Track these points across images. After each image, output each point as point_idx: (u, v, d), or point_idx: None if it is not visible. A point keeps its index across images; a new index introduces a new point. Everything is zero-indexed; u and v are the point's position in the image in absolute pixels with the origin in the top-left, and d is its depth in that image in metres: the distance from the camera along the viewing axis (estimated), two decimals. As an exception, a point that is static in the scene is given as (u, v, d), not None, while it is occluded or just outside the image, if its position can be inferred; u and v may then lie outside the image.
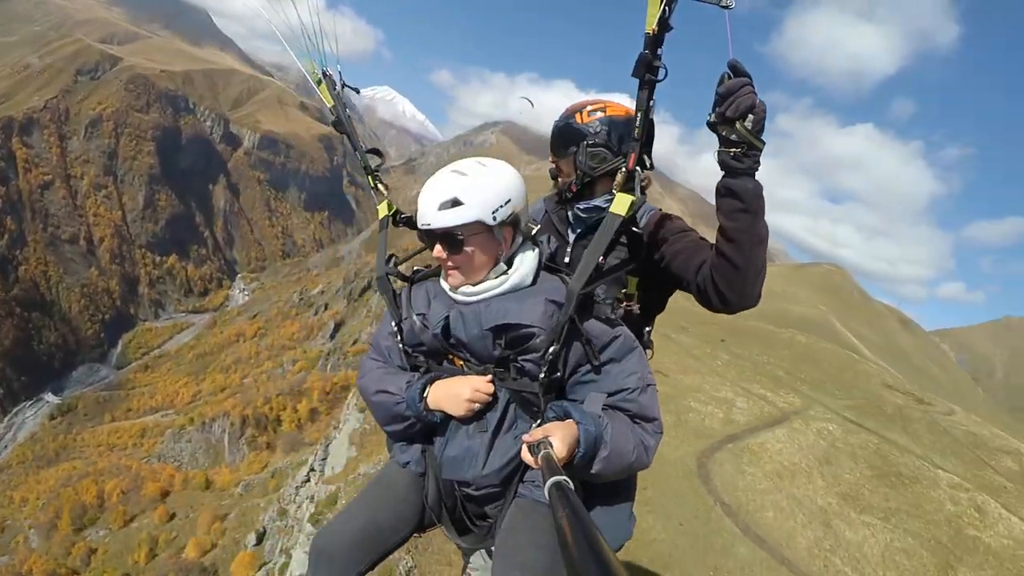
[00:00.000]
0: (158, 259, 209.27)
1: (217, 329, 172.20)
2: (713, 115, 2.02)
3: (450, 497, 2.44)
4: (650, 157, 2.31)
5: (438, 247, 2.20)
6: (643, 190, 2.40)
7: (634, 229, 2.45)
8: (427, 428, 2.37)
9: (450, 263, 2.22)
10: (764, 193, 2.13)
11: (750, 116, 1.96)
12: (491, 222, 2.13)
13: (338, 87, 2.79)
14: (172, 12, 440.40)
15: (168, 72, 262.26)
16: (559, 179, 2.80)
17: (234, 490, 66.92)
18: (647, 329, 2.87)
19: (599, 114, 2.62)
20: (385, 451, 2.82)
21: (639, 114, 2.11)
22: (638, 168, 2.21)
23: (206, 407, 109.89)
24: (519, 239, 2.29)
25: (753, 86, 1.95)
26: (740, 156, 2.04)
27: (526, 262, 2.29)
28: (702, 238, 2.60)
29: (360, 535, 2.35)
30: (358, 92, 2.97)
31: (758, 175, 2.11)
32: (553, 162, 2.82)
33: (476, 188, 2.13)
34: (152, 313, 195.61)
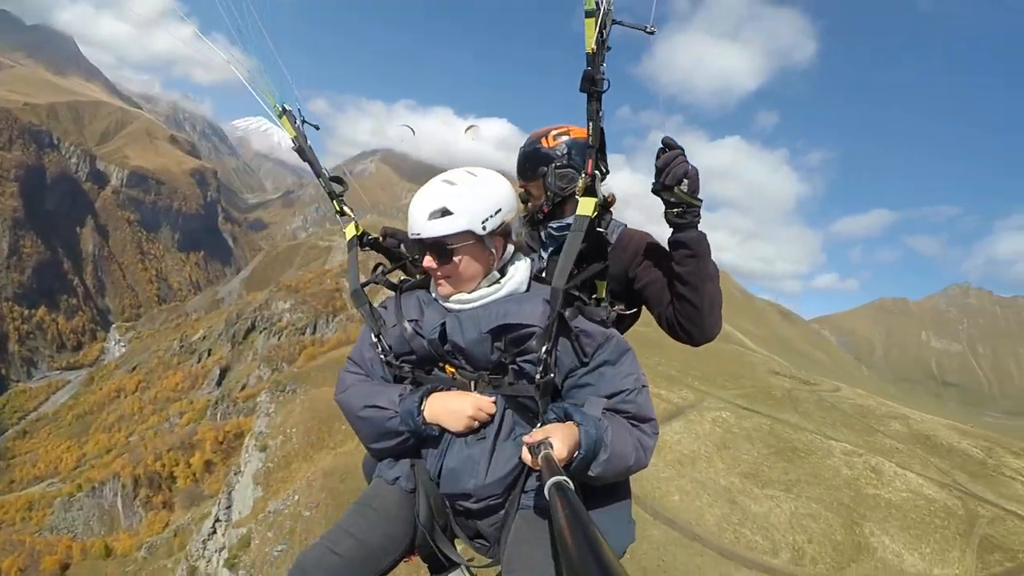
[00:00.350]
0: (26, 312, 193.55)
1: (95, 385, 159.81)
2: (655, 185, 2.39)
3: (442, 514, 2.36)
4: (605, 163, 2.48)
5: (428, 257, 2.24)
6: (608, 207, 2.67)
7: (599, 230, 2.47)
8: (418, 443, 2.32)
9: (440, 273, 2.26)
10: (707, 239, 2.49)
11: (685, 181, 2.33)
12: (480, 232, 2.18)
13: (298, 122, 2.94)
14: (36, 40, 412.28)
15: (31, 105, 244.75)
16: (529, 203, 2.99)
17: (137, 554, 63.49)
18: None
19: (564, 137, 2.84)
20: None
21: (590, 124, 2.31)
22: (597, 173, 2.40)
23: (93, 471, 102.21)
24: (510, 249, 2.35)
25: (684, 156, 2.33)
26: (682, 214, 2.41)
27: (520, 270, 2.36)
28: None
29: (348, 558, 2.21)
30: (317, 128, 3.10)
31: (701, 226, 2.48)
32: (522, 186, 2.98)
33: (465, 197, 2.17)
34: (24, 372, 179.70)
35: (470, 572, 2.50)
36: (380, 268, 2.66)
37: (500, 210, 2.22)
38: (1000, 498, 37.49)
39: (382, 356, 2.38)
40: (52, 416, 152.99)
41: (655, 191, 2.41)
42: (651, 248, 2.82)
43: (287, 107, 2.94)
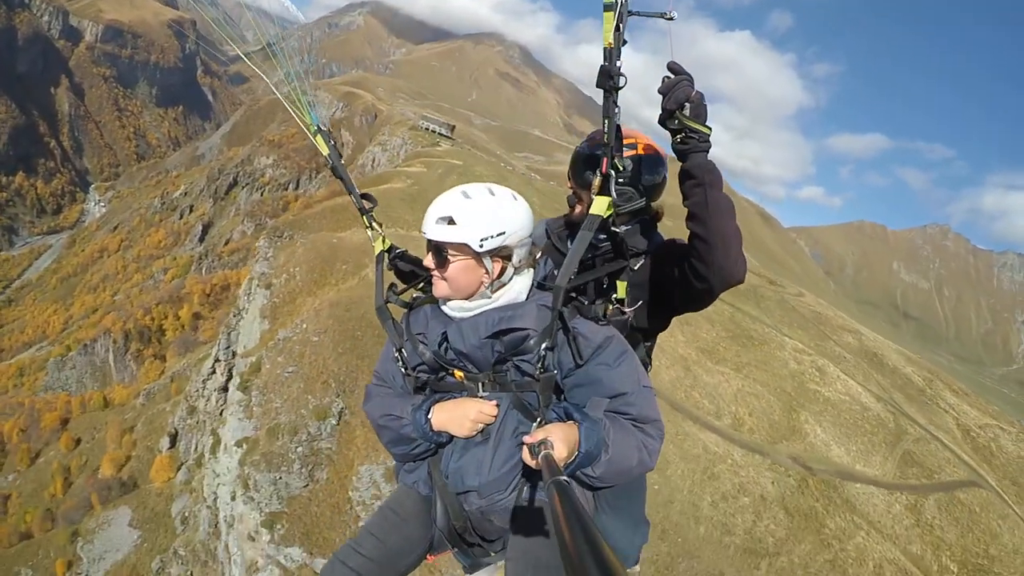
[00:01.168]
0: (4, 179, 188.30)
1: (77, 248, 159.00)
2: (660, 115, 2.28)
3: (458, 517, 2.47)
4: (622, 161, 2.38)
5: (429, 255, 2.37)
6: (656, 220, 2.80)
7: (613, 230, 2.44)
8: (433, 447, 2.46)
9: (434, 275, 2.39)
10: (717, 170, 2.34)
11: (687, 105, 2.22)
12: (477, 248, 2.23)
13: (332, 142, 3.01)
14: None
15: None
16: (577, 208, 2.96)
17: (135, 402, 65.64)
18: (647, 344, 2.98)
19: (630, 151, 2.72)
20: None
21: (606, 120, 2.26)
22: (612, 172, 2.33)
23: (82, 331, 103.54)
24: (509, 273, 2.37)
25: (690, 81, 2.21)
26: (685, 139, 2.29)
27: (520, 282, 2.41)
28: None
29: (370, 558, 2.43)
30: (340, 151, 3.18)
31: (711, 154, 2.34)
32: (571, 187, 2.95)
33: (473, 213, 2.24)
34: (6, 241, 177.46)
35: (488, 569, 2.66)
36: (392, 287, 2.70)
37: (503, 233, 2.24)
38: (930, 424, 41.19)
39: (401, 369, 2.52)
40: (36, 282, 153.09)
41: (660, 122, 2.33)
42: (675, 244, 2.77)
43: (322, 127, 2.99)
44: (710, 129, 2.29)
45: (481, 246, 2.23)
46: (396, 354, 2.52)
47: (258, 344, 30.26)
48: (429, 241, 2.32)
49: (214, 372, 43.17)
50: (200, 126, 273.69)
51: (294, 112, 3.01)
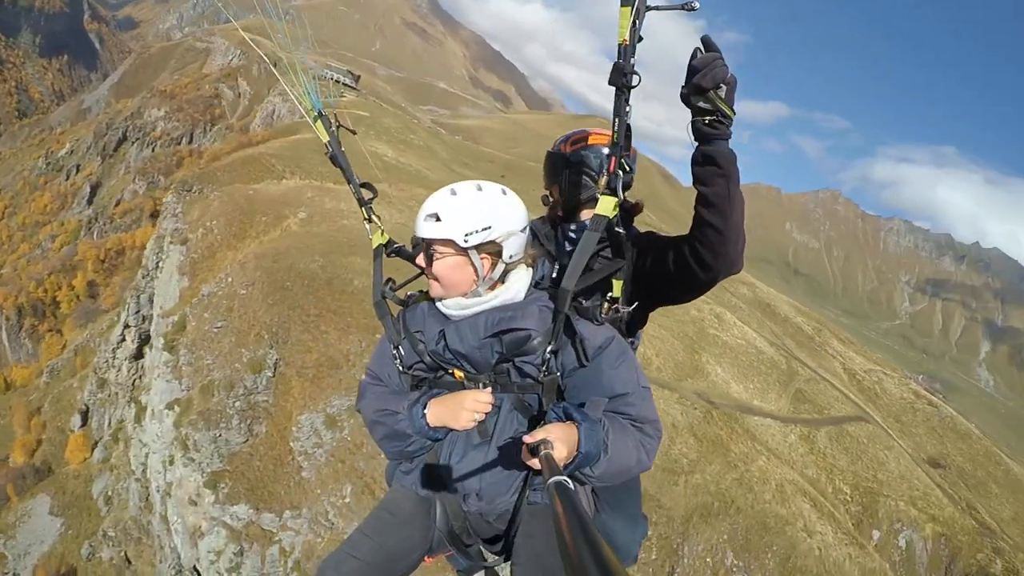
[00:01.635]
0: None
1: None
2: (687, 87, 2.09)
3: (457, 516, 2.45)
4: (631, 160, 2.38)
5: (421, 255, 2.35)
6: (634, 214, 2.72)
7: (618, 230, 2.42)
8: (429, 444, 2.41)
9: (427, 274, 2.37)
10: (737, 160, 2.23)
11: (723, 86, 2.05)
12: (463, 244, 2.21)
13: (333, 127, 2.92)
14: None
15: None
16: (550, 205, 3.05)
17: (38, 381, 61.25)
18: (631, 341, 2.93)
19: (582, 143, 2.84)
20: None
21: (616, 119, 2.21)
22: (619, 172, 2.30)
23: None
24: (500, 268, 2.33)
25: (723, 60, 2.04)
26: (715, 123, 2.12)
27: (519, 280, 2.36)
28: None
29: (366, 561, 2.34)
30: (354, 133, 3.19)
31: (731, 143, 2.20)
32: (546, 188, 3.04)
33: (457, 209, 2.22)
34: None
35: (490, 571, 2.61)
36: (389, 282, 2.63)
37: (489, 228, 2.22)
38: (819, 367, 46.09)
39: (398, 366, 2.46)
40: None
41: (685, 95, 2.11)
42: (656, 235, 2.75)
43: (323, 112, 2.89)
44: (735, 114, 2.15)
45: (466, 241, 2.20)
46: (393, 351, 2.47)
47: (179, 302, 28.72)
48: (421, 240, 2.30)
49: (124, 339, 40.97)
50: (86, 77, 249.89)
51: (293, 94, 2.93)
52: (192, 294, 27.60)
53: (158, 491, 25.86)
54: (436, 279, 2.32)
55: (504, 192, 2.33)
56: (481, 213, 2.22)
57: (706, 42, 2.06)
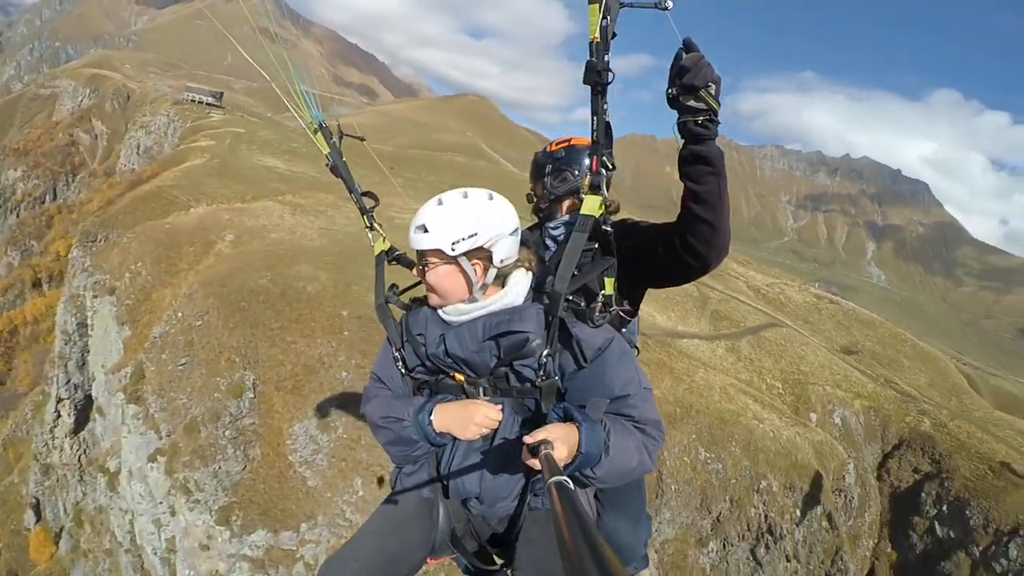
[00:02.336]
0: None
1: None
2: (675, 88, 2.11)
3: (459, 519, 2.46)
4: (611, 159, 2.38)
5: (417, 266, 2.42)
6: (612, 212, 2.59)
7: (604, 228, 2.42)
8: (434, 448, 2.43)
9: (424, 283, 2.43)
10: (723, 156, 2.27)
11: (712, 85, 2.07)
12: (450, 252, 2.25)
13: (334, 138, 3.01)
14: None
15: None
16: (536, 202, 3.21)
17: (-33, 493, 55.65)
18: (625, 333, 2.98)
19: (564, 144, 3.08)
20: None
21: (595, 118, 2.23)
22: (602, 169, 2.31)
23: None
24: (492, 273, 2.34)
25: (708, 61, 2.07)
26: (705, 123, 2.15)
27: (518, 285, 2.39)
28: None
29: (368, 563, 2.36)
30: (363, 140, 3.35)
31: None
32: (531, 189, 3.24)
33: (442, 218, 2.27)
34: None
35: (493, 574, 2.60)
36: (393, 287, 2.71)
37: (475, 235, 2.25)
38: (727, 288, 50.32)
39: (401, 370, 2.53)
40: None
41: (673, 96, 2.16)
42: (633, 225, 2.85)
43: (324, 124, 2.96)
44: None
45: (453, 249, 2.25)
46: (396, 354, 2.53)
47: (126, 353, 27.18)
48: (416, 251, 2.38)
49: (60, 416, 38.00)
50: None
51: (292, 108, 2.97)
52: (140, 341, 26.20)
53: (155, 553, 24.36)
54: (432, 288, 2.38)
55: (491, 197, 2.35)
56: (466, 220, 2.25)
57: (688, 44, 2.08)
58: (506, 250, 2.34)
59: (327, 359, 22.78)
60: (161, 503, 23.06)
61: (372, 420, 2.51)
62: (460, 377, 2.38)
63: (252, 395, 22.46)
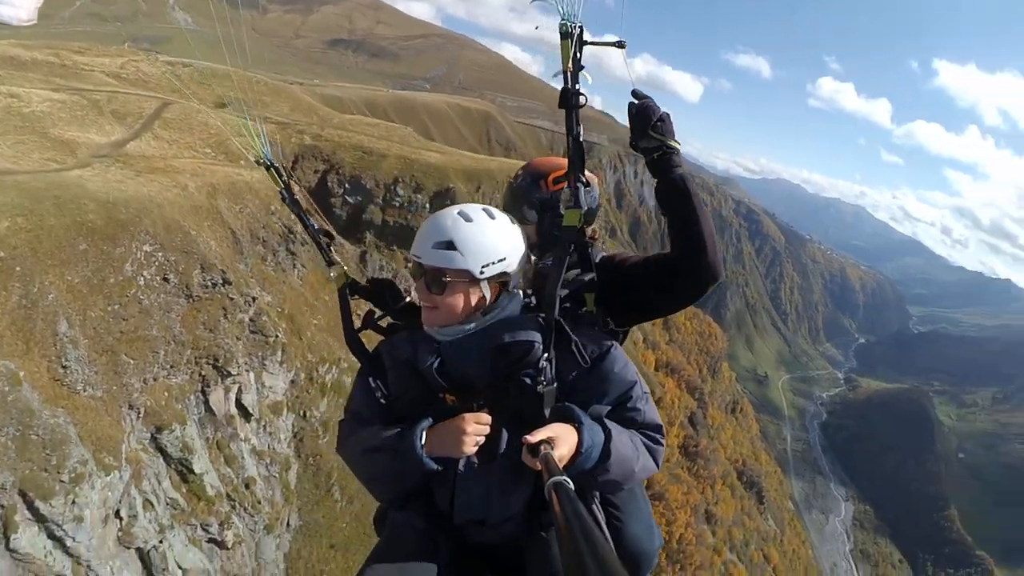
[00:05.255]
0: None
1: None
2: (631, 135, 2.36)
3: (463, 547, 2.30)
4: (584, 175, 2.47)
5: (421, 282, 2.21)
6: (592, 239, 2.68)
7: (583, 239, 2.46)
8: (424, 480, 2.21)
9: (427, 302, 2.22)
10: (690, 178, 2.38)
11: (658, 123, 2.29)
12: (478, 275, 2.14)
13: (284, 175, 2.88)
14: None
15: None
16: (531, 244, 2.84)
17: None
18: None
19: (565, 182, 2.64)
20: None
21: (570, 137, 2.38)
22: (580, 185, 2.42)
23: None
24: (503, 298, 2.28)
25: (654, 103, 2.33)
26: (661, 157, 2.35)
27: (513, 302, 2.32)
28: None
29: None
30: (299, 186, 3.24)
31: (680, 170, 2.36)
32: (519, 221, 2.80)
33: (473, 238, 2.13)
34: None
35: None
36: (374, 315, 2.61)
37: (504, 260, 2.19)
38: (98, 86, 38.33)
39: (382, 400, 2.34)
40: None
41: (634, 143, 2.39)
42: (619, 260, 2.78)
43: (273, 163, 2.90)
44: (679, 144, 2.37)
45: (482, 273, 2.15)
46: (374, 384, 2.35)
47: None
48: (421, 266, 2.20)
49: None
50: None
51: (240, 145, 3.00)
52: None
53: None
54: (435, 306, 2.21)
55: (513, 221, 2.31)
56: (497, 244, 2.18)
57: (636, 93, 2.37)
58: (520, 276, 2.31)
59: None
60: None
61: (351, 456, 2.33)
62: (451, 398, 2.22)
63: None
